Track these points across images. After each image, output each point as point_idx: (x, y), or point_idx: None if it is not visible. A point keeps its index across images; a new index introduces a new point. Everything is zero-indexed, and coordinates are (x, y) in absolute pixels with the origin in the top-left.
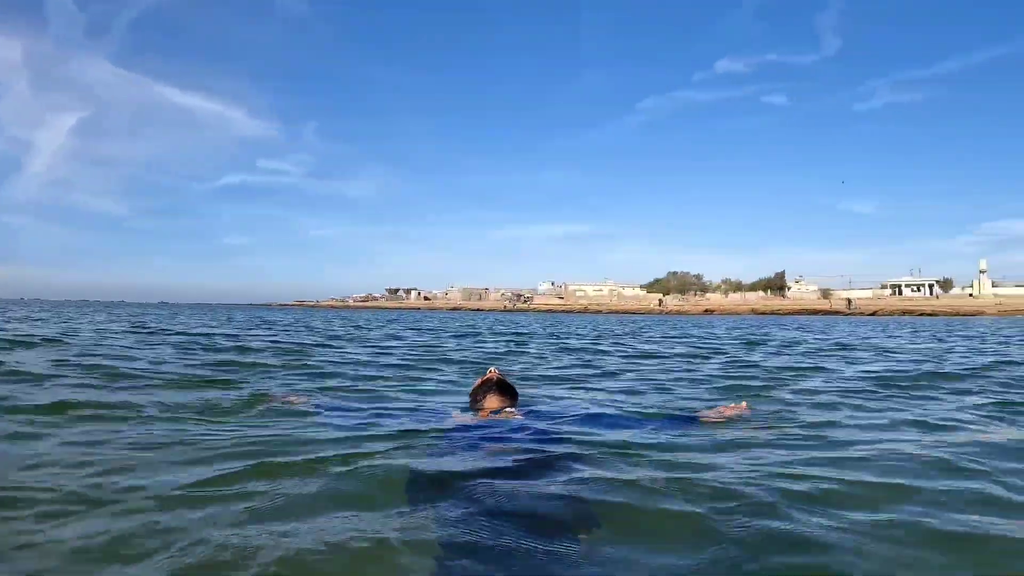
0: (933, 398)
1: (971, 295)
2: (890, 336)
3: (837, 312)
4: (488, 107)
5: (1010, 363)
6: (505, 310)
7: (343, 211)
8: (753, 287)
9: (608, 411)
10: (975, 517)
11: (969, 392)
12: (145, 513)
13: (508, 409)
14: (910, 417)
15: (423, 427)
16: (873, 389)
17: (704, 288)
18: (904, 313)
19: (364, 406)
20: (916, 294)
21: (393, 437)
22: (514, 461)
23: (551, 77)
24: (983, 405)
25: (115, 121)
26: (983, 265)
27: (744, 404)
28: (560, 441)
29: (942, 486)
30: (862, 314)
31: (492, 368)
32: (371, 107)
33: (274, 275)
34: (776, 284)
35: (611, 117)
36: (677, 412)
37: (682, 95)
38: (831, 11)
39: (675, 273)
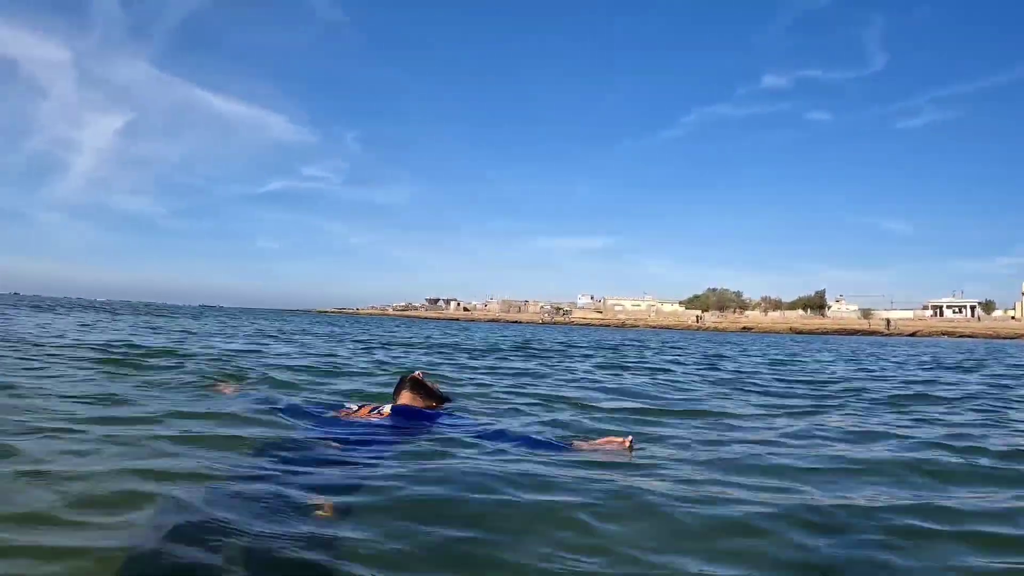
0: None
1: (1013, 317)
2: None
3: (876, 332)
4: (521, 117)
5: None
6: (544, 323)
7: (379, 218)
8: (792, 305)
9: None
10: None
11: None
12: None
13: (383, 409)
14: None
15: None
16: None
17: (743, 305)
18: (943, 334)
19: (281, 397)
20: (958, 315)
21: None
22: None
23: (587, 87)
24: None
25: (153, 122)
26: None
27: (628, 441)
28: (367, 443)
29: None
30: (901, 334)
31: (418, 371)
32: (405, 114)
33: (312, 281)
34: (816, 303)
35: (649, 130)
36: (544, 436)
37: (723, 110)
38: (875, 27)
39: (714, 290)
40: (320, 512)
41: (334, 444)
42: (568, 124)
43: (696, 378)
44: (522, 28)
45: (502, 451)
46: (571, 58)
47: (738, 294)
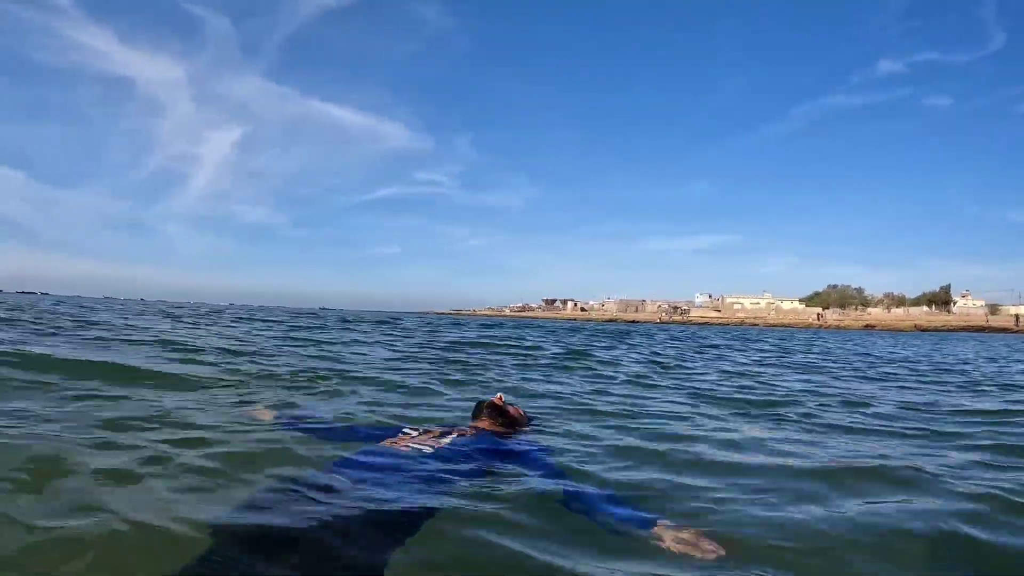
0: None
1: None
2: None
3: (1004, 329)
4: (632, 118)
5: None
6: (661, 322)
7: (494, 221)
8: (916, 302)
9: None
10: None
11: None
12: None
13: (444, 438)
14: None
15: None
16: None
17: (865, 302)
18: None
19: (330, 417)
20: None
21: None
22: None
23: (697, 84)
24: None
25: (270, 134)
26: None
27: (714, 552)
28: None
29: None
30: None
31: (499, 394)
32: (518, 118)
33: (428, 283)
34: (941, 299)
35: (760, 124)
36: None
37: (837, 99)
38: (990, 2)
39: (835, 286)
40: None
41: (343, 481)
42: (680, 122)
43: None
44: (628, 29)
45: (552, 514)
46: (680, 55)
47: (860, 291)
